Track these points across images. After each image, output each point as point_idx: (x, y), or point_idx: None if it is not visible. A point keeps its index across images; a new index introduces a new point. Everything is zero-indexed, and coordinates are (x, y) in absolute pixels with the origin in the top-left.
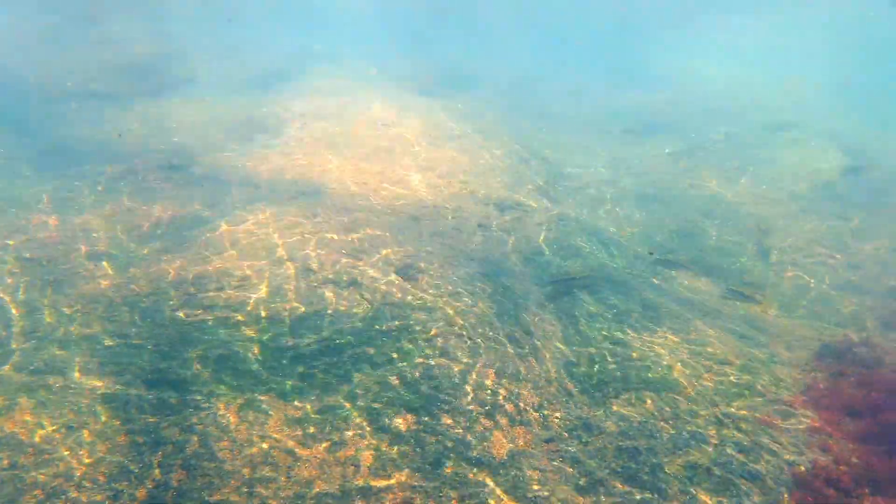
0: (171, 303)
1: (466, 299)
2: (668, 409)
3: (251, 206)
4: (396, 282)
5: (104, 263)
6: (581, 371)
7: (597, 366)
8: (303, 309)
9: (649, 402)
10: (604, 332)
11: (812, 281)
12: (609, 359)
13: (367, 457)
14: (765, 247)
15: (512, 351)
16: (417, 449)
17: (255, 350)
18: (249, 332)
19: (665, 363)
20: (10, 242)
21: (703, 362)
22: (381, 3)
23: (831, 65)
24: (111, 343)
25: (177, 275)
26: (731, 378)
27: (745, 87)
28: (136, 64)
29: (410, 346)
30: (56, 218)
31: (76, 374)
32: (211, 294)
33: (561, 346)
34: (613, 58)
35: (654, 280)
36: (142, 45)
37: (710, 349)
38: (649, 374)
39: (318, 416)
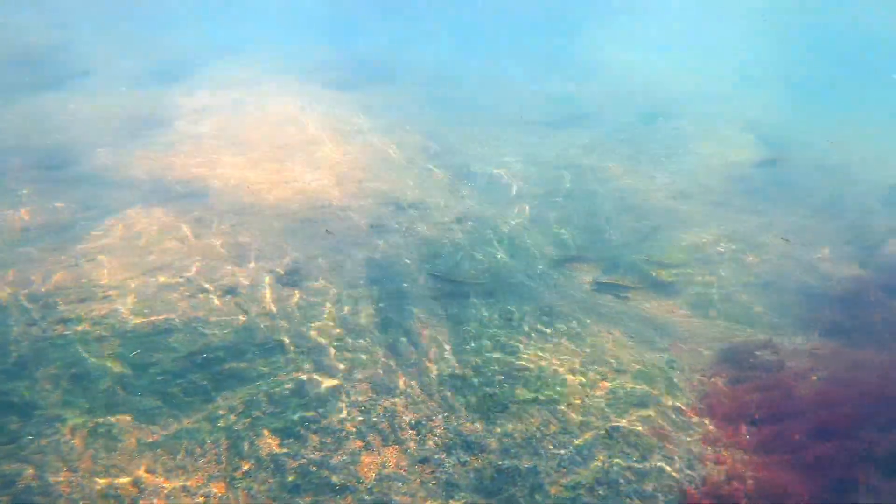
0: (26, 317)
1: (348, 307)
2: (555, 423)
3: (129, 209)
4: (277, 290)
5: None
6: (467, 383)
7: (483, 377)
8: (174, 321)
9: (536, 416)
10: (495, 341)
11: (723, 279)
12: (497, 369)
13: (218, 488)
14: (676, 243)
15: (393, 363)
16: (276, 476)
17: (116, 367)
18: (111, 348)
19: (556, 373)
20: None
21: (598, 370)
22: None
23: (765, 55)
24: None
25: (37, 286)
26: (626, 387)
27: (671, 78)
28: (27, 55)
29: (285, 360)
30: None
31: None
32: (72, 306)
33: (448, 357)
34: (541, 49)
35: (557, 282)
36: (34, 36)
37: (606, 356)
38: (538, 386)
39: (173, 440)
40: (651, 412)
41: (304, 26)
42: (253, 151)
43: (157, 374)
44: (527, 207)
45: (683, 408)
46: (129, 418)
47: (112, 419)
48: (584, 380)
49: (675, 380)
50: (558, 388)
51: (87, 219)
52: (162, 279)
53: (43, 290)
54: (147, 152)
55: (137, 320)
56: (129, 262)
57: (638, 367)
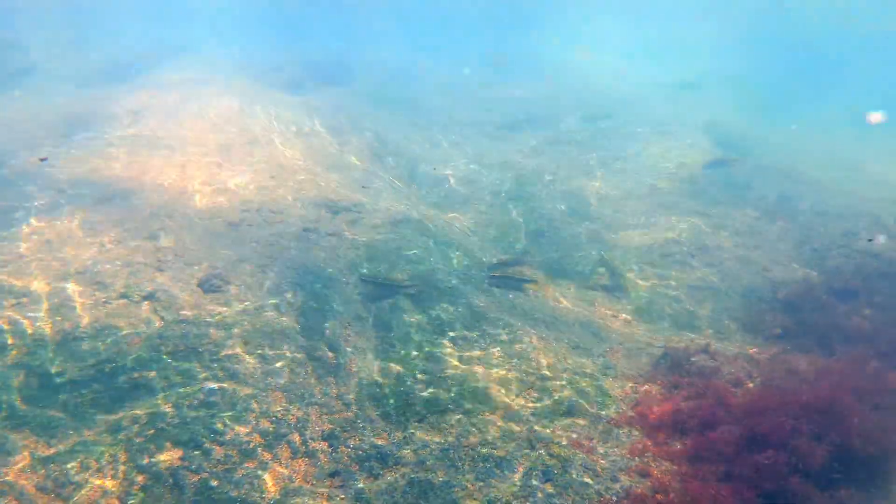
0: None
1: (270, 313)
2: (476, 433)
3: (50, 213)
4: (197, 295)
5: None
6: (386, 392)
7: (404, 386)
8: (85, 329)
9: (456, 426)
10: (420, 348)
11: (668, 282)
12: (419, 377)
13: None
14: (620, 245)
15: (311, 370)
16: (174, 491)
17: (20, 377)
18: (16, 357)
19: (481, 380)
20: None
21: (526, 378)
22: None
23: (722, 54)
24: None
25: None
26: (554, 395)
27: (624, 80)
28: None
29: (197, 368)
30: None
31: None
32: None
33: (370, 364)
34: (494, 49)
35: (496, 287)
36: None
37: (535, 363)
38: (462, 393)
39: (69, 454)
40: (579, 421)
41: (256, 28)
42: (188, 153)
43: (63, 385)
44: (470, 210)
45: (613, 416)
46: (27, 431)
47: (9, 433)
48: (509, 388)
49: (607, 387)
50: (482, 397)
51: (3, 224)
52: (78, 285)
53: None
54: (76, 154)
55: (48, 328)
56: (45, 267)
57: (569, 374)
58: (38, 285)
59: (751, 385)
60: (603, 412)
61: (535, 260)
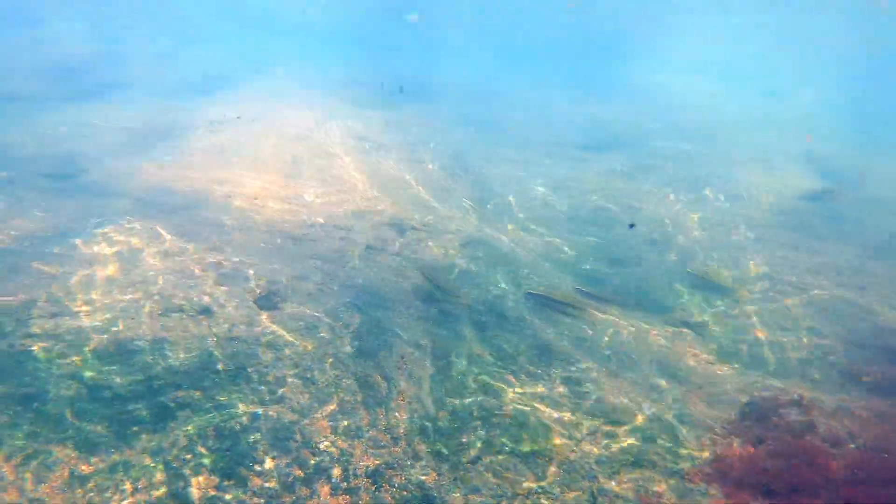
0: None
1: (325, 334)
2: (531, 480)
3: (120, 221)
4: (252, 312)
5: None
6: (439, 427)
7: (460, 422)
8: (139, 341)
9: (511, 470)
10: (480, 380)
11: (757, 321)
12: (476, 413)
13: None
14: (708, 279)
15: (361, 399)
16: None
17: (70, 390)
18: (72, 367)
19: (542, 421)
20: None
21: (592, 421)
22: (340, 12)
23: (827, 80)
24: None
25: (16, 297)
26: (622, 442)
27: (716, 103)
28: (66, 66)
29: (244, 389)
30: None
31: None
32: (43, 321)
33: (423, 396)
34: (578, 71)
35: (558, 317)
36: (76, 47)
37: (605, 404)
38: (521, 434)
39: (107, 474)
40: (649, 474)
41: (338, 44)
42: (261, 165)
43: (110, 399)
44: (545, 234)
45: (689, 471)
46: (71, 447)
47: (51, 447)
48: (574, 431)
49: (682, 436)
50: (542, 440)
51: (77, 230)
52: (137, 295)
53: (21, 301)
54: (154, 163)
55: (104, 338)
56: (109, 276)
57: (641, 418)
58: (100, 295)
59: (852, 447)
60: (677, 465)
61: (611, 290)
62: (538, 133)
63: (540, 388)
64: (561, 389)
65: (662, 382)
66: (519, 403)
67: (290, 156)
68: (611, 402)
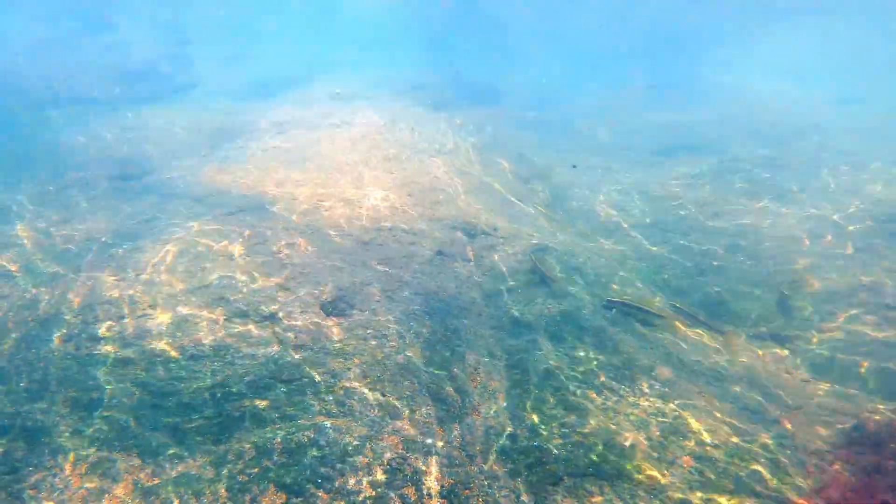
0: (64, 331)
1: (394, 343)
2: None
3: (187, 222)
4: (319, 319)
5: (13, 283)
6: (517, 446)
7: (539, 439)
8: (204, 347)
9: (597, 494)
10: (559, 395)
11: (859, 336)
12: (556, 431)
13: None
14: (798, 291)
15: (434, 413)
16: None
17: (135, 395)
18: (135, 373)
19: (628, 441)
20: None
21: (682, 442)
22: (405, 12)
23: None
24: None
25: (81, 299)
26: (717, 466)
27: (800, 105)
28: (138, 69)
29: (310, 400)
30: None
31: None
32: (109, 324)
33: (500, 411)
34: (651, 73)
35: (641, 328)
36: (147, 51)
37: (694, 424)
38: (605, 456)
39: (170, 486)
40: (747, 501)
41: (404, 46)
42: (326, 167)
43: (174, 407)
44: (619, 242)
45: (791, 499)
46: (132, 455)
47: (115, 455)
48: (662, 453)
49: (783, 462)
50: (627, 461)
51: (144, 232)
52: (202, 300)
53: (86, 303)
54: (219, 165)
55: (168, 344)
56: (175, 279)
57: (735, 441)
58: (165, 298)
59: None
60: (778, 492)
61: (692, 301)
62: (611, 136)
63: (624, 406)
64: (646, 407)
65: (757, 401)
66: (602, 421)
67: (357, 158)
68: (701, 422)
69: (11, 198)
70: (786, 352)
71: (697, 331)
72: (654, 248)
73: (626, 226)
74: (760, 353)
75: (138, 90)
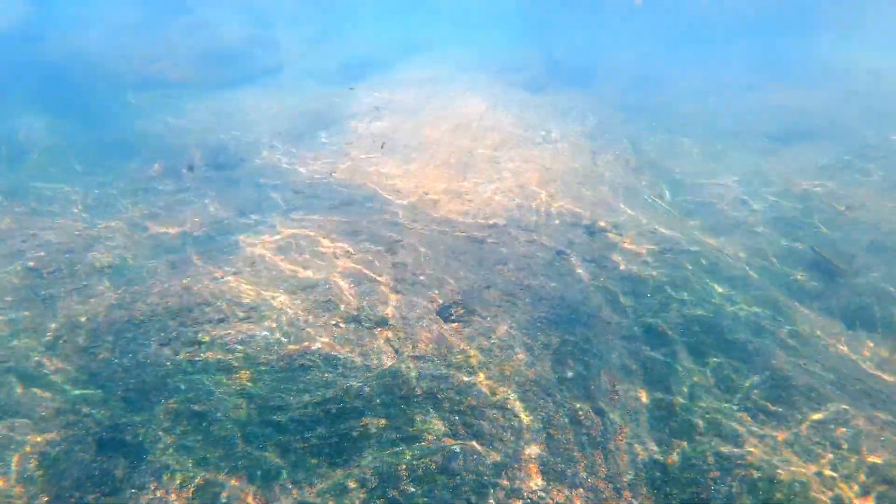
0: (162, 335)
1: (522, 355)
2: None
3: (286, 216)
4: (437, 325)
5: (105, 281)
6: (670, 478)
7: (693, 471)
8: (314, 355)
9: None
10: (709, 418)
11: None
12: (711, 462)
13: None
14: None
15: (573, 437)
16: None
17: (241, 408)
18: (240, 382)
19: (796, 476)
20: (24, 247)
21: (858, 477)
22: None
23: None
24: (75, 384)
25: (179, 299)
26: None
27: None
28: (223, 52)
29: (435, 420)
30: (81, 221)
31: (26, 422)
32: (209, 326)
33: (644, 435)
34: (761, 50)
35: (790, 340)
36: (231, 32)
37: (872, 456)
38: (770, 492)
39: None
40: None
41: (497, 25)
42: (427, 156)
43: (284, 423)
44: (744, 240)
45: None
46: (242, 478)
47: (222, 477)
48: (836, 492)
49: None
50: (796, 500)
51: (241, 226)
52: (308, 302)
53: (184, 305)
54: (315, 153)
55: (273, 351)
56: (276, 277)
57: None
58: (267, 299)
59: None
60: None
61: (832, 305)
62: (719, 121)
63: (783, 433)
64: (810, 434)
65: None
66: (761, 450)
67: (458, 146)
68: (877, 453)
69: (104, 190)
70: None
71: (859, 342)
72: (781, 246)
73: (748, 220)
74: None
75: (224, 73)
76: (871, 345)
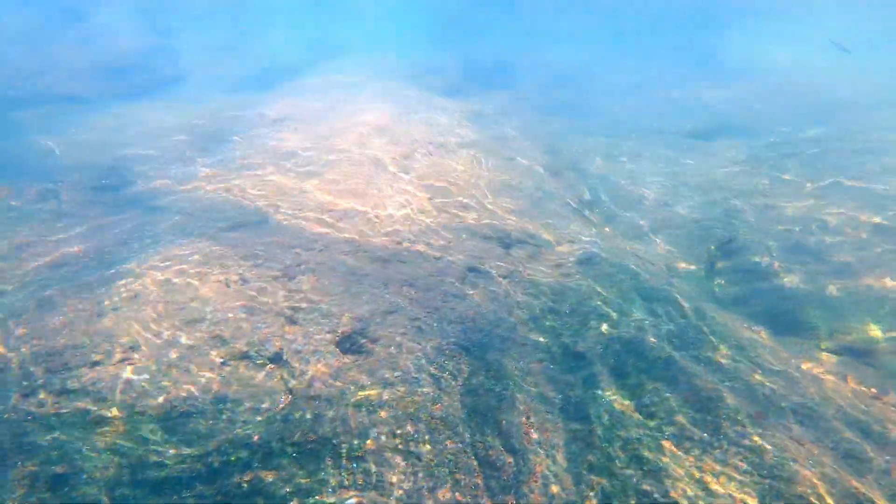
0: (25, 384)
1: (428, 389)
2: None
3: (173, 242)
4: (335, 359)
5: None
6: None
7: None
8: (197, 400)
9: None
10: (630, 449)
11: None
12: (632, 498)
13: None
14: (862, 295)
15: (482, 480)
16: None
17: (110, 467)
18: (113, 436)
19: None
20: None
21: None
22: None
23: None
24: None
25: (47, 341)
26: None
27: (855, 78)
28: (120, 62)
29: (330, 470)
30: None
31: None
32: (80, 371)
33: (562, 474)
34: (682, 48)
35: (716, 356)
36: (129, 42)
37: (796, 483)
38: None
39: None
40: None
41: (413, 28)
42: (332, 170)
43: (160, 482)
44: (669, 243)
45: None
46: None
47: None
48: None
49: None
50: None
51: (125, 255)
52: (192, 339)
53: (54, 348)
54: (211, 170)
55: (152, 396)
56: (157, 313)
57: (851, 501)
58: (148, 337)
59: None
60: None
61: (756, 310)
62: (645, 120)
63: (711, 462)
64: (739, 463)
65: (855, 441)
66: (688, 484)
67: (367, 157)
68: (805, 476)
69: None
70: (864, 367)
71: (781, 350)
72: (704, 251)
73: (669, 224)
74: (843, 374)
75: (119, 86)
76: (798, 352)
